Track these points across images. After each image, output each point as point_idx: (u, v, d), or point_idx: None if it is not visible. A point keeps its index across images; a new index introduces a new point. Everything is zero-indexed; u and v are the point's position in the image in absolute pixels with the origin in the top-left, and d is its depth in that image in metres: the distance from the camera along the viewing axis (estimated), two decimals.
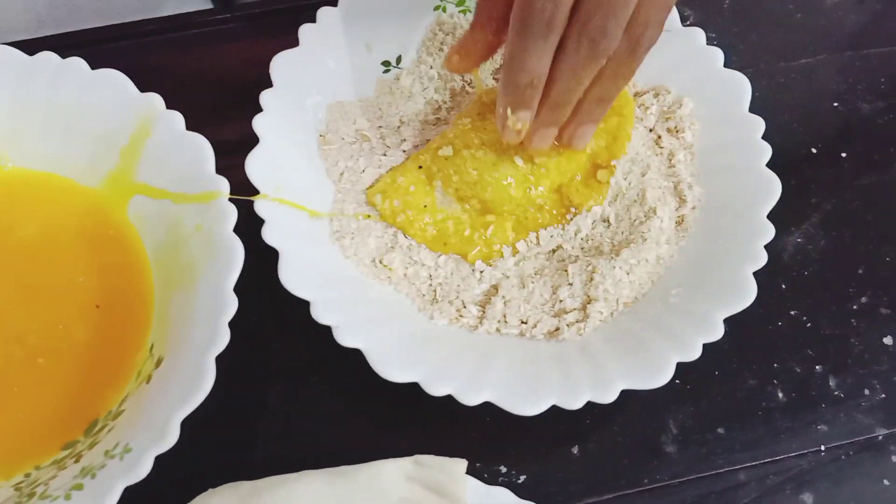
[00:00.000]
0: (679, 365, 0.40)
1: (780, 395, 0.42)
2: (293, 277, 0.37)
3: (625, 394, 0.39)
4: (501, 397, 0.36)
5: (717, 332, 0.37)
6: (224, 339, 0.34)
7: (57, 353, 0.39)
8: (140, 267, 0.40)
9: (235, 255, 0.36)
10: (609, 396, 0.36)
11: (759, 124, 0.43)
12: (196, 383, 0.33)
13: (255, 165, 0.39)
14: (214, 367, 0.34)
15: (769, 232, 0.40)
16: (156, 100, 0.40)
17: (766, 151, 0.42)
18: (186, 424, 0.33)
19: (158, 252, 0.40)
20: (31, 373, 0.38)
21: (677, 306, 0.39)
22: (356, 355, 0.37)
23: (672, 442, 0.41)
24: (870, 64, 0.52)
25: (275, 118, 0.41)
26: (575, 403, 0.36)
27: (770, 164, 0.42)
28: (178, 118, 0.40)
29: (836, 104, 0.50)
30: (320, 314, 0.37)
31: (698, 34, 0.46)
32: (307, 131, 0.44)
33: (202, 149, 0.39)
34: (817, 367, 0.43)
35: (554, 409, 0.36)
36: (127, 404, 0.36)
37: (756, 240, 0.39)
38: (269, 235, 0.38)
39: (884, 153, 0.49)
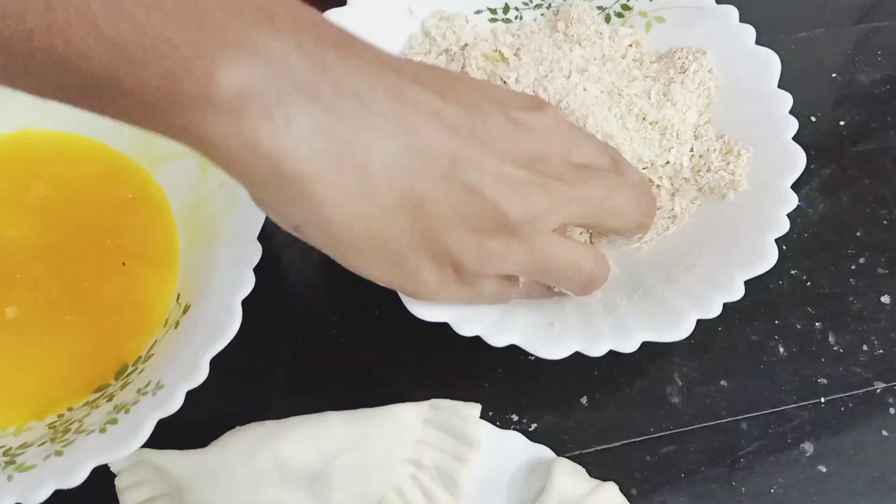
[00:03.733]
0: None
1: (781, 349, 0.44)
2: None
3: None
4: (527, 341, 0.37)
5: (736, 293, 0.38)
6: (249, 283, 0.36)
7: (83, 309, 0.40)
8: (165, 224, 0.42)
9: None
10: (629, 346, 0.37)
11: (787, 99, 0.44)
12: (223, 326, 0.35)
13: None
14: (241, 310, 0.35)
15: (792, 201, 0.41)
16: None
17: (793, 125, 0.43)
18: (213, 367, 0.34)
19: (183, 208, 0.42)
20: (59, 326, 0.40)
21: (698, 268, 0.41)
22: (378, 305, 0.38)
23: (677, 393, 0.42)
24: (867, 37, 0.53)
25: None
26: (596, 350, 0.37)
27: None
28: None
29: (834, 75, 0.52)
30: None
31: (731, 12, 0.47)
32: None
33: None
34: (817, 324, 0.44)
35: (563, 363, 0.37)
36: (156, 349, 0.38)
37: (779, 208, 0.41)
38: None
39: (880, 121, 0.50)
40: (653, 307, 0.39)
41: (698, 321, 0.38)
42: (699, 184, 0.44)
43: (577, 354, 0.37)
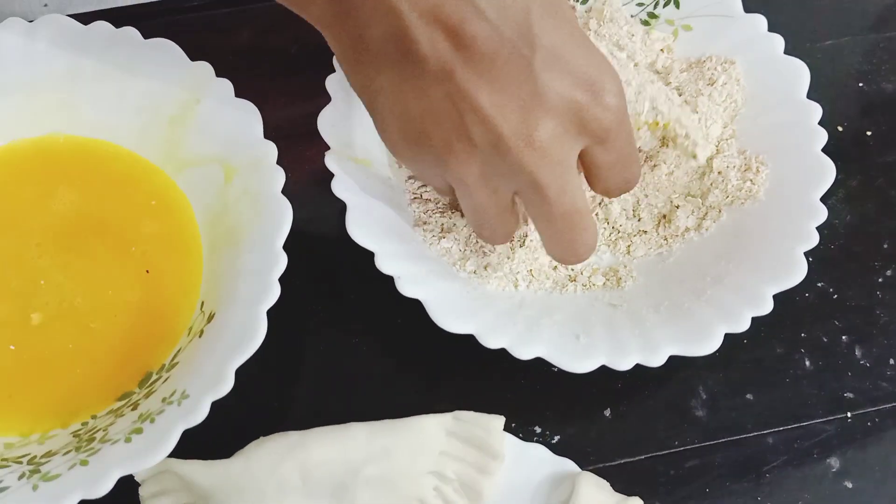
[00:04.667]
0: None
1: (807, 363, 0.43)
2: (359, 229, 0.38)
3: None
4: (553, 354, 0.37)
5: (765, 307, 0.38)
6: (275, 293, 0.36)
7: (108, 317, 0.40)
8: (190, 231, 0.42)
9: (284, 214, 0.37)
10: (657, 360, 0.37)
11: (816, 110, 0.44)
12: (249, 335, 0.35)
13: (327, 121, 0.41)
14: (266, 320, 0.35)
15: (821, 214, 0.40)
16: (206, 68, 0.42)
17: (822, 136, 0.43)
18: (239, 376, 0.34)
19: (207, 215, 0.41)
20: (83, 333, 0.40)
21: (728, 281, 0.40)
22: (401, 315, 0.38)
23: (702, 406, 0.42)
24: (893, 46, 0.53)
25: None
26: (623, 364, 0.37)
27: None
28: (227, 85, 0.41)
29: (860, 84, 0.52)
30: (384, 264, 0.38)
31: (759, 21, 0.47)
32: None
33: (251, 114, 0.40)
34: (843, 337, 0.44)
35: (586, 375, 0.37)
36: (180, 357, 0.38)
37: (808, 221, 0.40)
38: (338, 188, 0.39)
39: None
40: (680, 320, 0.39)
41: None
42: (708, 199, 0.44)
43: (601, 366, 0.37)
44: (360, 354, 0.43)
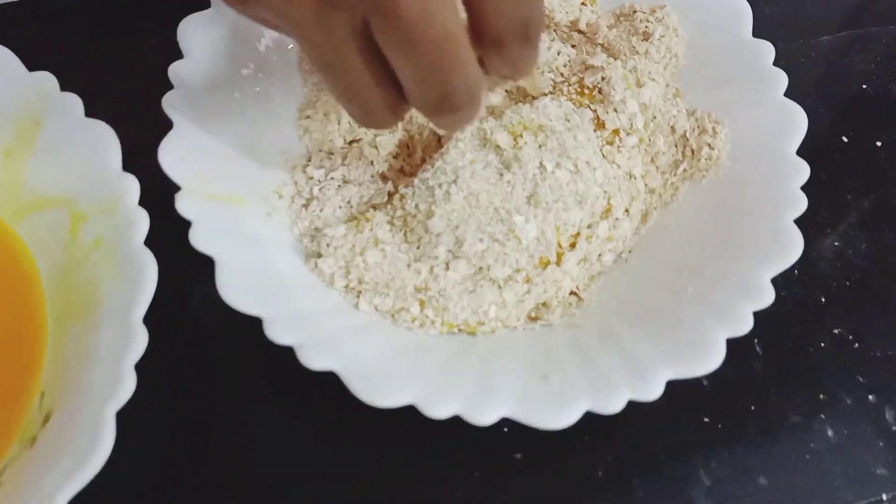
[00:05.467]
0: (706, 399, 0.34)
1: (830, 432, 0.35)
2: (235, 290, 0.29)
3: (643, 436, 0.33)
4: (521, 409, 0.28)
5: (765, 297, 0.30)
6: (127, 385, 0.26)
7: None
8: (32, 296, 0.32)
9: (145, 274, 0.28)
10: (652, 391, 0.29)
11: (768, 50, 0.37)
12: (90, 448, 0.25)
13: (173, 153, 0.30)
14: (113, 425, 0.25)
15: (803, 170, 0.34)
16: (47, 80, 0.32)
17: (781, 79, 0.36)
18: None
19: (53, 274, 0.31)
20: None
21: (711, 271, 0.33)
22: (326, 379, 0.28)
23: (705, 496, 0.33)
24: None
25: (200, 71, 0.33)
26: (612, 405, 0.28)
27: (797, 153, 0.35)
28: (75, 102, 0.31)
29: (864, 86, 0.44)
30: (277, 332, 0.28)
31: None
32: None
33: (104, 139, 0.30)
34: (870, 397, 0.36)
35: (553, 463, 0.31)
36: (6, 476, 0.28)
37: (790, 182, 0.33)
38: (200, 239, 0.29)
39: None
40: (666, 330, 0.31)
41: (726, 400, 0.32)
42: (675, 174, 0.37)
43: (570, 449, 0.31)
44: (276, 441, 0.33)
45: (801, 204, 0.33)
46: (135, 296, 0.27)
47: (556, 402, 0.29)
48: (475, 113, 0.28)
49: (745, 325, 0.30)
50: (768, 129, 0.35)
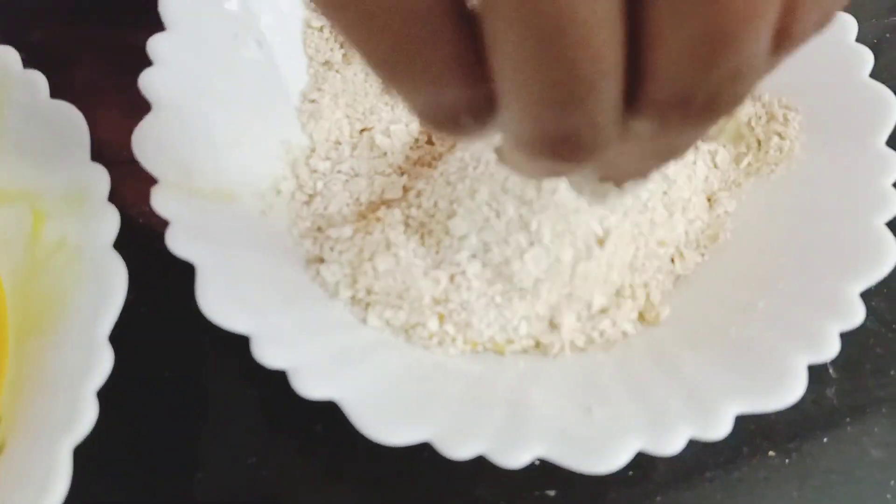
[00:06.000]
0: (772, 431, 0.29)
1: None
2: (218, 302, 0.24)
3: (696, 474, 0.29)
4: (559, 450, 0.24)
5: (854, 315, 0.26)
6: (87, 415, 0.22)
7: None
8: None
9: (113, 282, 0.23)
10: (718, 428, 0.24)
11: (850, 25, 0.32)
12: (41, 488, 0.21)
13: (149, 141, 0.26)
14: (69, 462, 0.21)
15: (894, 164, 0.29)
16: (9, 55, 0.27)
17: (867, 57, 0.32)
18: None
19: (16, 280, 0.27)
20: None
21: (786, 284, 0.28)
22: (323, 408, 0.24)
23: None
24: None
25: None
26: (670, 445, 0.24)
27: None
28: (39, 81, 0.27)
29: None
30: (268, 353, 0.24)
31: None
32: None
33: (71, 124, 0.26)
34: None
35: (595, 493, 0.27)
36: None
37: (879, 177, 0.29)
38: (178, 242, 0.25)
39: None
40: (734, 356, 0.26)
41: (793, 429, 0.28)
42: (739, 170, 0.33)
43: (611, 486, 0.27)
44: (263, 481, 0.28)
45: (893, 204, 0.28)
46: (100, 308, 0.23)
47: (602, 440, 0.24)
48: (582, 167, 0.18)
49: (830, 349, 0.25)
50: (851, 116, 0.31)
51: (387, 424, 0.24)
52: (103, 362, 0.22)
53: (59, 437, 0.21)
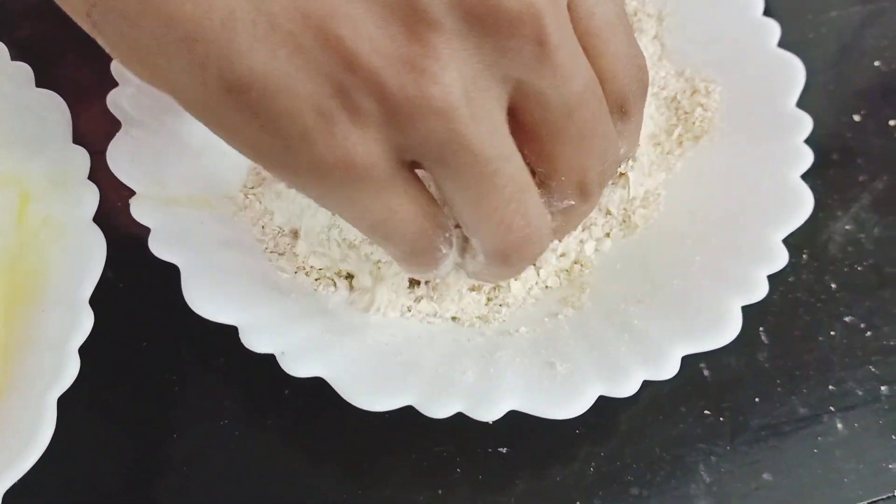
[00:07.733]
0: (707, 391, 0.32)
1: (840, 426, 0.32)
2: (205, 298, 0.27)
3: (638, 430, 0.31)
4: (529, 401, 0.26)
5: (779, 259, 0.29)
6: (70, 370, 0.24)
7: None
8: None
9: (94, 250, 0.26)
10: (667, 368, 0.27)
11: (757, 1, 0.35)
12: (29, 435, 0.23)
13: (123, 157, 0.29)
14: (54, 411, 0.23)
15: (805, 123, 0.32)
16: None
17: (773, 29, 0.34)
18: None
19: (4, 260, 0.29)
20: None
21: (718, 238, 0.31)
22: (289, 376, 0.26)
23: (706, 494, 0.31)
24: None
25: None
26: (625, 387, 0.27)
27: (808, 136, 0.33)
28: (24, 72, 0.29)
29: (876, 63, 0.41)
30: (255, 340, 0.26)
31: None
32: None
33: (55, 110, 0.28)
34: (882, 388, 0.33)
35: (541, 458, 0.29)
36: None
37: (791, 135, 0.32)
38: (160, 247, 0.27)
39: None
40: (676, 305, 0.29)
41: (729, 389, 0.31)
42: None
43: (560, 444, 0.29)
44: (243, 446, 0.31)
45: (807, 158, 0.31)
46: (80, 273, 0.25)
47: (567, 390, 0.27)
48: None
49: (759, 291, 0.28)
50: (763, 83, 0.33)
51: (373, 395, 0.26)
52: (84, 322, 0.25)
53: (45, 390, 0.24)
